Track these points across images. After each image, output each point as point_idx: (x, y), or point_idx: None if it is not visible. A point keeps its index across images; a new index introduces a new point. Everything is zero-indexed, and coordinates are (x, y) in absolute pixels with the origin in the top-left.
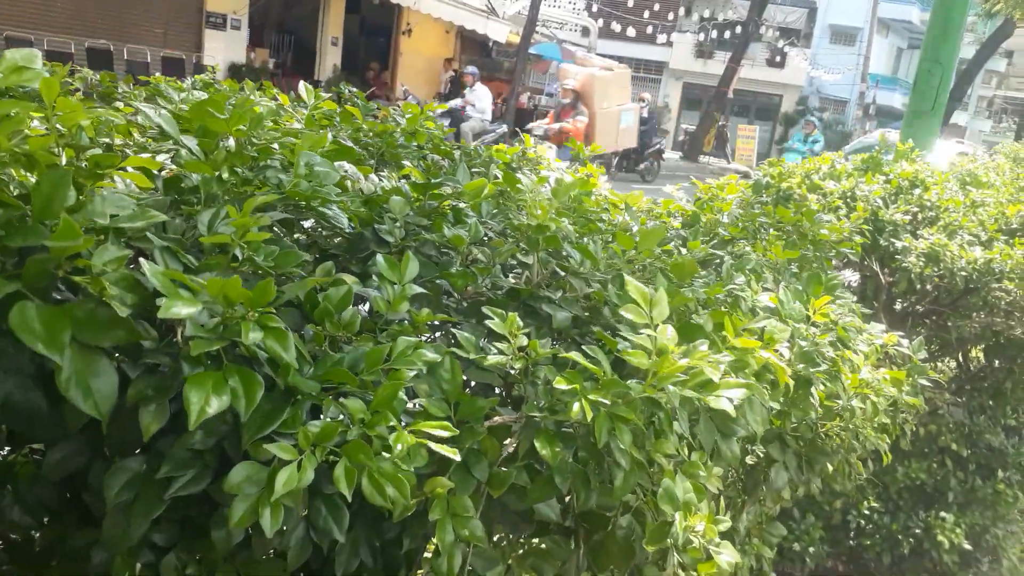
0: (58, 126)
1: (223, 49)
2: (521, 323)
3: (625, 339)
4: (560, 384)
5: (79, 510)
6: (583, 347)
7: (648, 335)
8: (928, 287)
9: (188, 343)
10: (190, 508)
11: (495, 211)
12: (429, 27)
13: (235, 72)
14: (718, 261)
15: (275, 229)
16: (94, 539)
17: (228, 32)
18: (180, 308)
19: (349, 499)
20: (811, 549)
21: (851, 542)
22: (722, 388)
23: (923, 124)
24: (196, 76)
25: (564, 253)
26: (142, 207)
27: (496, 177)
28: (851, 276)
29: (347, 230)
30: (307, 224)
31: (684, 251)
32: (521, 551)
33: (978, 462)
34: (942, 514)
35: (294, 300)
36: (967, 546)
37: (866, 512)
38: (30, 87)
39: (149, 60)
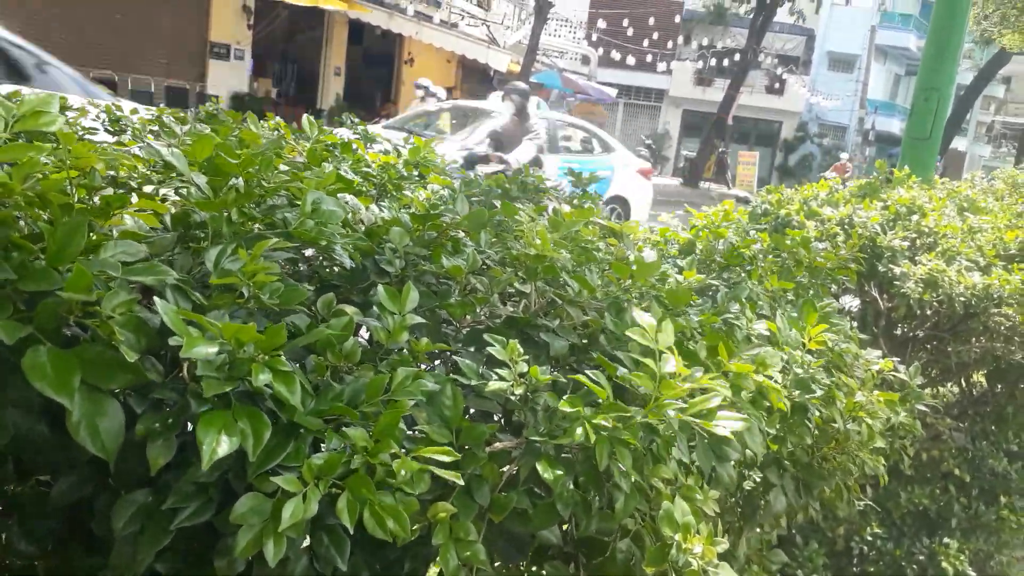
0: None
1: (226, 79)
2: (521, 350)
3: (624, 365)
4: (564, 407)
5: (83, 539)
6: (586, 372)
7: (653, 359)
8: (928, 312)
9: (197, 381)
10: (193, 539)
11: (493, 240)
12: (431, 56)
13: (238, 101)
14: (714, 289)
15: (279, 264)
16: (98, 568)
17: (231, 62)
18: (201, 348)
19: (352, 532)
20: None
21: (854, 569)
22: (721, 419)
23: (921, 150)
24: (200, 107)
25: (561, 282)
26: (152, 261)
27: (494, 207)
28: (851, 302)
29: (348, 267)
30: (308, 252)
31: (680, 279)
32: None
33: (981, 487)
34: (946, 540)
35: (297, 332)
36: (971, 573)
37: (869, 538)
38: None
39: (153, 90)
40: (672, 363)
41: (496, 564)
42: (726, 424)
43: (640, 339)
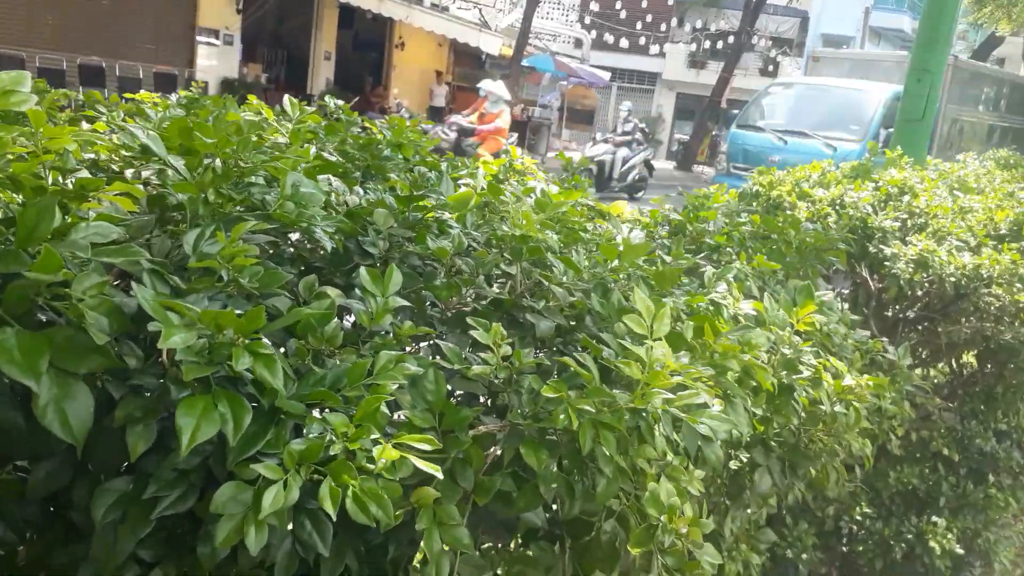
0: (44, 149)
1: (216, 64)
2: (505, 333)
3: (610, 347)
4: (547, 392)
5: (64, 526)
6: (573, 355)
7: (645, 347)
8: (918, 293)
9: (176, 366)
10: (176, 524)
11: (480, 222)
12: (422, 40)
13: (228, 87)
14: (703, 270)
15: (260, 246)
16: (79, 556)
17: (221, 47)
18: (178, 338)
19: (334, 518)
20: (804, 556)
21: (844, 548)
22: (706, 417)
23: (913, 132)
24: (181, 91)
25: (548, 263)
26: (124, 243)
27: (482, 188)
28: (842, 283)
29: (329, 249)
30: (294, 236)
31: (667, 259)
32: (508, 557)
33: (970, 467)
34: (934, 519)
35: (278, 315)
36: (959, 551)
37: (858, 518)
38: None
39: (141, 76)
40: (662, 351)
41: (486, 545)
42: (710, 423)
43: (636, 327)
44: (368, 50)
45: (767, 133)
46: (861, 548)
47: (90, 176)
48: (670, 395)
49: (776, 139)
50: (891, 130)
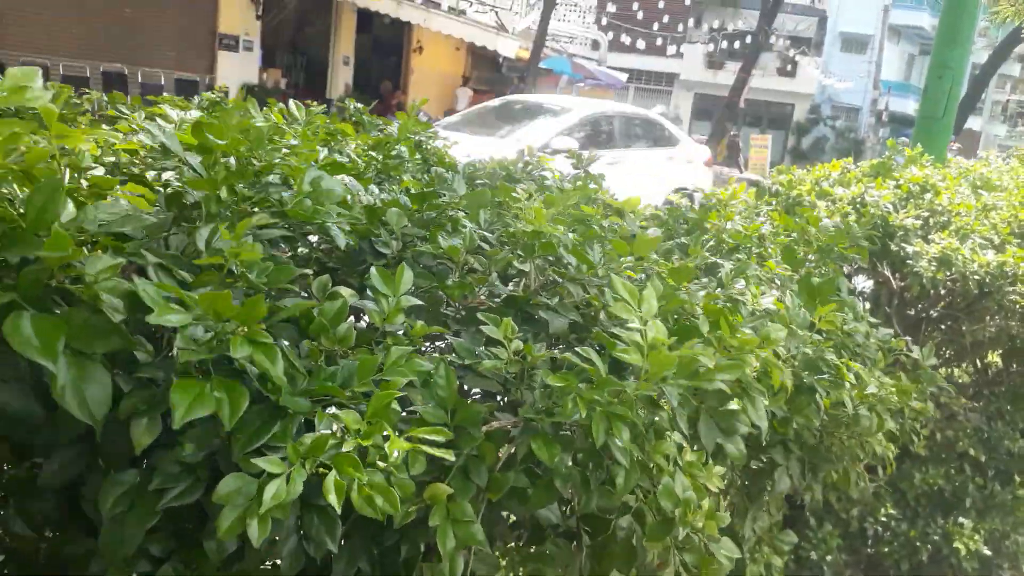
0: (59, 146)
1: (236, 70)
2: (518, 329)
3: (624, 342)
4: (555, 382)
5: (79, 520)
6: (576, 350)
7: (638, 330)
8: (941, 292)
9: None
10: (185, 520)
11: (494, 220)
12: (440, 44)
13: (248, 92)
14: (721, 268)
15: (278, 242)
16: (93, 549)
17: (241, 53)
18: (171, 316)
19: (339, 511)
20: (828, 557)
21: (869, 550)
22: (716, 372)
23: (934, 130)
24: (203, 95)
25: (564, 261)
26: (132, 214)
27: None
28: (864, 283)
29: (343, 248)
30: (313, 239)
31: (686, 258)
32: (523, 555)
33: (997, 467)
34: (961, 520)
35: (290, 316)
36: (987, 552)
37: (883, 519)
38: (32, 107)
39: (163, 82)
40: (655, 330)
41: (509, 545)
42: (721, 377)
43: (624, 313)
44: (386, 54)
45: None
46: (887, 549)
47: (106, 176)
48: (674, 369)
49: None
50: None
